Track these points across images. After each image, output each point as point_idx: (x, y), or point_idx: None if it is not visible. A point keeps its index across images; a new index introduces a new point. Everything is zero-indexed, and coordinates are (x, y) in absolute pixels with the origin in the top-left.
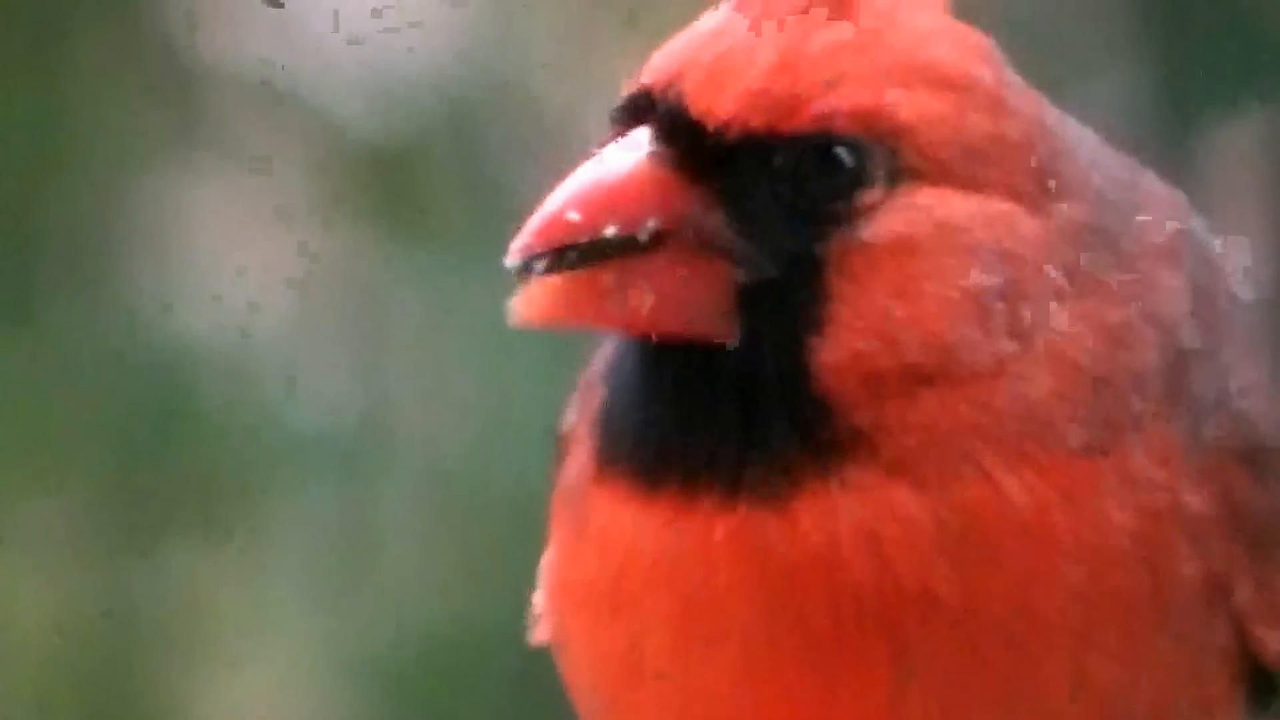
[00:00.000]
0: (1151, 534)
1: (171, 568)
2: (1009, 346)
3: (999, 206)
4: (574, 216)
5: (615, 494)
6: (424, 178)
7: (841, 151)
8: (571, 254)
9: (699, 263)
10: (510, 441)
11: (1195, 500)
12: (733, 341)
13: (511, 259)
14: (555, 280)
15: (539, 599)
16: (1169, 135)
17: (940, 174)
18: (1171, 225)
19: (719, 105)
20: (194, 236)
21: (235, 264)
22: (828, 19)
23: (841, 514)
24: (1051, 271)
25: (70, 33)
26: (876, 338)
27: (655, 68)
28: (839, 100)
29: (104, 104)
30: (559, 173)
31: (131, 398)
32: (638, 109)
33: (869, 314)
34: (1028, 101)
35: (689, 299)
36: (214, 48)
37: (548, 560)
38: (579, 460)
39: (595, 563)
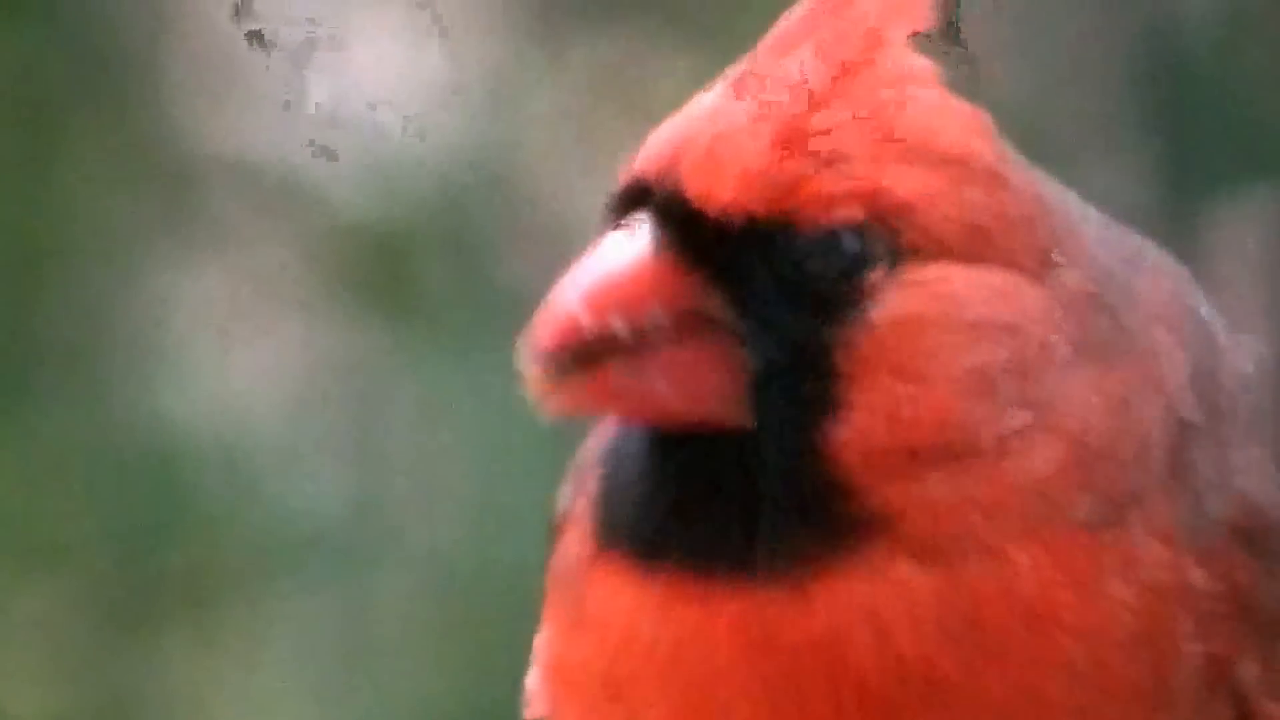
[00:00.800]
0: (1154, 613)
1: (168, 660)
2: (1016, 420)
3: (1001, 278)
4: (581, 315)
5: (614, 576)
6: (420, 266)
7: (844, 234)
8: (582, 351)
9: (709, 350)
10: (506, 529)
11: (1199, 578)
12: (745, 427)
13: (523, 361)
14: (570, 376)
15: (532, 679)
16: (1171, 214)
17: (941, 250)
18: (1173, 298)
19: (717, 190)
20: (188, 327)
21: (230, 354)
22: (824, 97)
23: (852, 596)
24: (1056, 342)
25: (64, 125)
26: (887, 419)
27: (650, 153)
28: (839, 181)
29: (98, 196)
30: (560, 265)
31: (127, 490)
32: (635, 196)
33: (879, 396)
34: (1025, 176)
35: (701, 387)
36: (209, 139)
37: (541, 642)
38: (574, 543)
39: (591, 645)
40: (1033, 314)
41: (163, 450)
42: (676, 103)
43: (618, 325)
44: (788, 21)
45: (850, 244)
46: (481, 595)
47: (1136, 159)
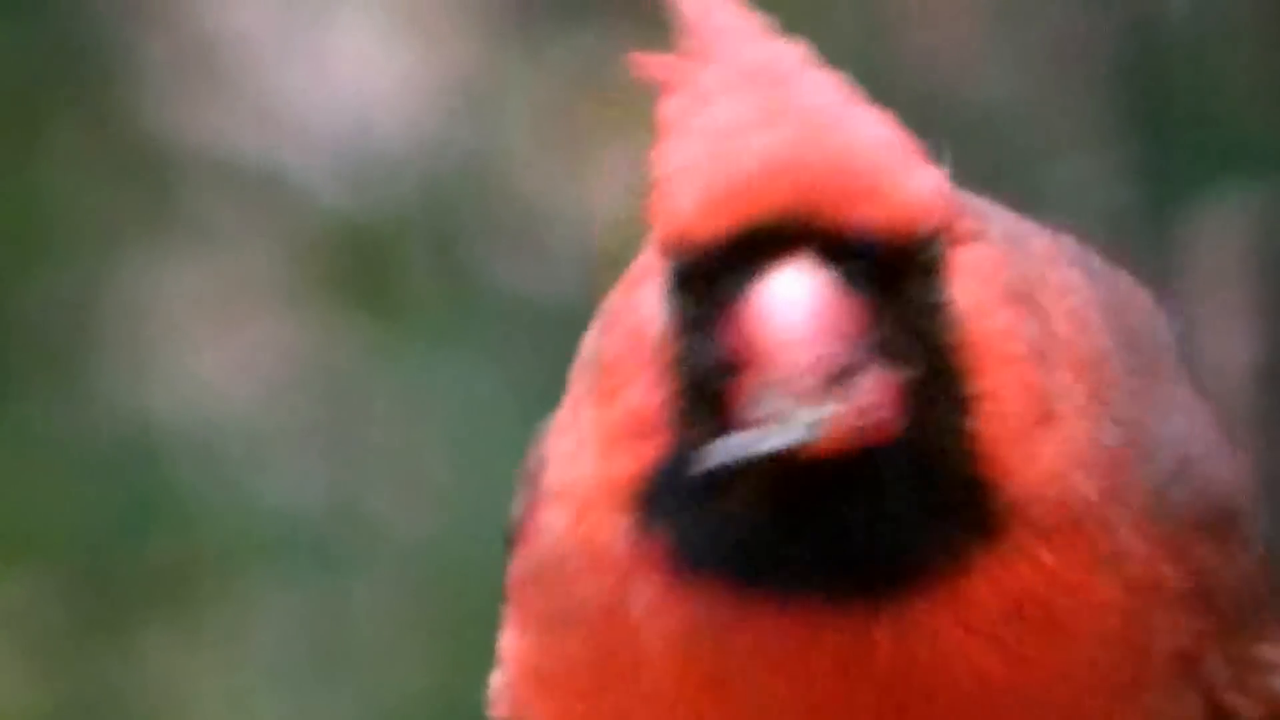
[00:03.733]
0: (1135, 609)
1: (146, 655)
2: (1055, 383)
3: (990, 251)
4: (818, 353)
5: (693, 594)
6: (399, 261)
7: (938, 238)
8: (823, 389)
9: (879, 370)
10: (483, 524)
11: (1169, 572)
12: (899, 438)
13: (793, 399)
14: (822, 416)
15: (497, 679)
16: (1150, 213)
17: (957, 238)
18: (1086, 297)
19: (877, 214)
20: (167, 320)
21: (210, 350)
22: (859, 113)
23: (1021, 586)
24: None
25: (43, 118)
26: (1008, 403)
27: (774, 183)
28: (925, 186)
29: (78, 191)
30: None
31: (105, 485)
32: (775, 229)
33: (995, 383)
34: None
35: (882, 406)
36: (189, 131)
37: (510, 643)
38: (559, 544)
39: (587, 645)
40: (1021, 280)
41: (142, 446)
42: (654, 96)
43: (845, 358)
44: (727, 73)
45: (940, 244)
46: (459, 591)
47: (1116, 158)
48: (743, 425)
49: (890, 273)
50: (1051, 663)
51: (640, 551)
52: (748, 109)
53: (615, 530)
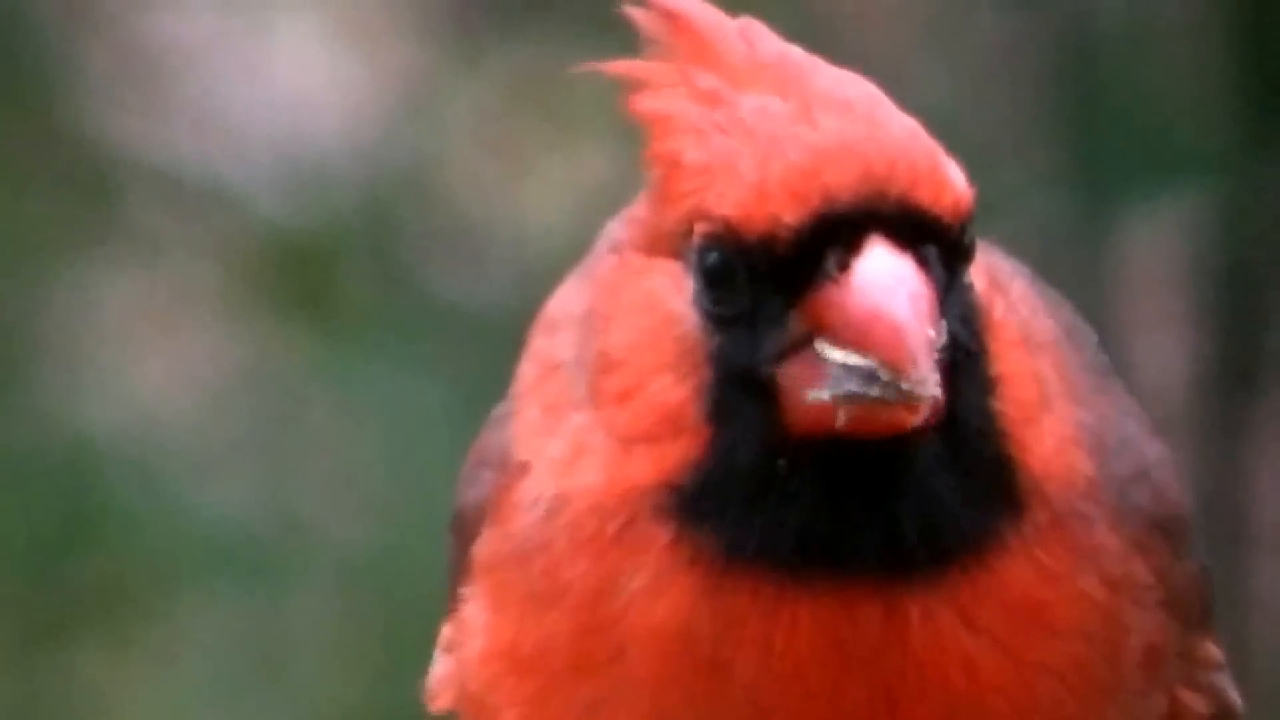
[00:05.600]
0: (1113, 606)
1: (81, 668)
2: (1048, 381)
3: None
4: (931, 333)
5: (730, 579)
6: (337, 270)
7: (972, 226)
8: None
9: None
10: (422, 536)
11: (1139, 569)
12: (940, 419)
13: (907, 379)
14: (925, 391)
15: (441, 669)
16: (1082, 215)
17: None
18: (1025, 282)
19: (945, 203)
20: (104, 333)
21: (145, 358)
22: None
23: (1030, 576)
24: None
25: None
26: (1023, 385)
27: (847, 169)
28: (961, 174)
29: (13, 200)
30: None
31: (40, 497)
32: (852, 217)
33: (1011, 365)
34: None
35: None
36: (128, 140)
37: (479, 619)
38: (546, 528)
39: (569, 627)
40: (993, 268)
41: (79, 456)
42: (596, 107)
43: (938, 341)
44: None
45: (971, 236)
46: (396, 600)
47: (1047, 160)
48: (797, 410)
49: (950, 256)
50: (1039, 660)
51: (671, 549)
52: (787, 100)
53: (632, 530)
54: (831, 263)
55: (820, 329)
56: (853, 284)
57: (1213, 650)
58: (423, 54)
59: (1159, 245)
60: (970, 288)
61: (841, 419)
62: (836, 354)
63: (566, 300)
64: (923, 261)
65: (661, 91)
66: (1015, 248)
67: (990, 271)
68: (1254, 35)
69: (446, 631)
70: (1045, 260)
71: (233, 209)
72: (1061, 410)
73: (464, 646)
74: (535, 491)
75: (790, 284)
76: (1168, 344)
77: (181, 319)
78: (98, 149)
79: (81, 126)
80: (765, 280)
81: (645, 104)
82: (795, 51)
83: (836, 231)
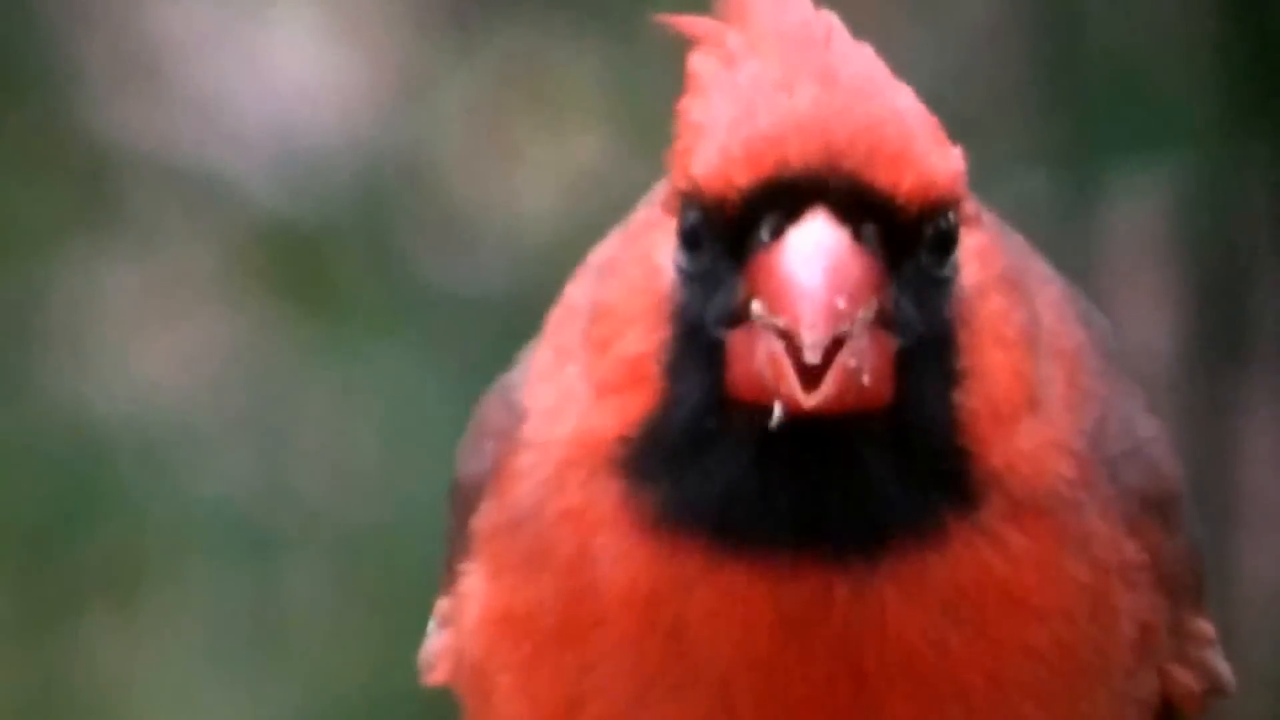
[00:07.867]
0: (1102, 589)
1: (87, 646)
2: (1044, 370)
3: (987, 237)
4: (840, 304)
5: (666, 549)
6: (333, 257)
7: (951, 212)
8: (833, 344)
9: (879, 335)
10: (416, 514)
11: (1130, 550)
12: (888, 404)
13: (809, 346)
14: (833, 369)
15: (435, 642)
16: (1070, 189)
17: (966, 219)
18: (1061, 287)
19: (904, 181)
20: (107, 317)
21: (146, 343)
22: (890, 87)
23: (988, 560)
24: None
25: None
26: (997, 382)
27: (797, 141)
28: (949, 161)
29: (12, 189)
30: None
31: (42, 480)
32: (796, 185)
33: (988, 360)
34: None
35: (877, 372)
36: (127, 130)
37: (477, 588)
38: (536, 491)
39: (555, 592)
40: (1012, 268)
41: (82, 439)
42: (586, 94)
43: (858, 316)
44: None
45: (954, 221)
46: (392, 575)
47: (1033, 134)
48: (739, 375)
49: (903, 240)
50: (1017, 640)
51: (622, 507)
52: (781, 68)
53: (591, 484)
54: (767, 228)
55: (754, 293)
56: (778, 249)
57: (1204, 626)
58: (417, 44)
59: (1145, 218)
60: (947, 280)
61: (769, 386)
62: (767, 319)
63: (602, 250)
64: (859, 237)
65: (702, 49)
66: (1001, 221)
67: (1006, 270)
68: (1239, 9)
69: (442, 605)
70: (1031, 234)
71: (230, 198)
72: (1057, 418)
73: (462, 617)
74: (529, 451)
75: (739, 247)
76: (1153, 317)
77: (181, 305)
78: (97, 140)
79: (81, 117)
80: (720, 241)
81: (692, 60)
82: (820, 21)
83: (781, 199)
